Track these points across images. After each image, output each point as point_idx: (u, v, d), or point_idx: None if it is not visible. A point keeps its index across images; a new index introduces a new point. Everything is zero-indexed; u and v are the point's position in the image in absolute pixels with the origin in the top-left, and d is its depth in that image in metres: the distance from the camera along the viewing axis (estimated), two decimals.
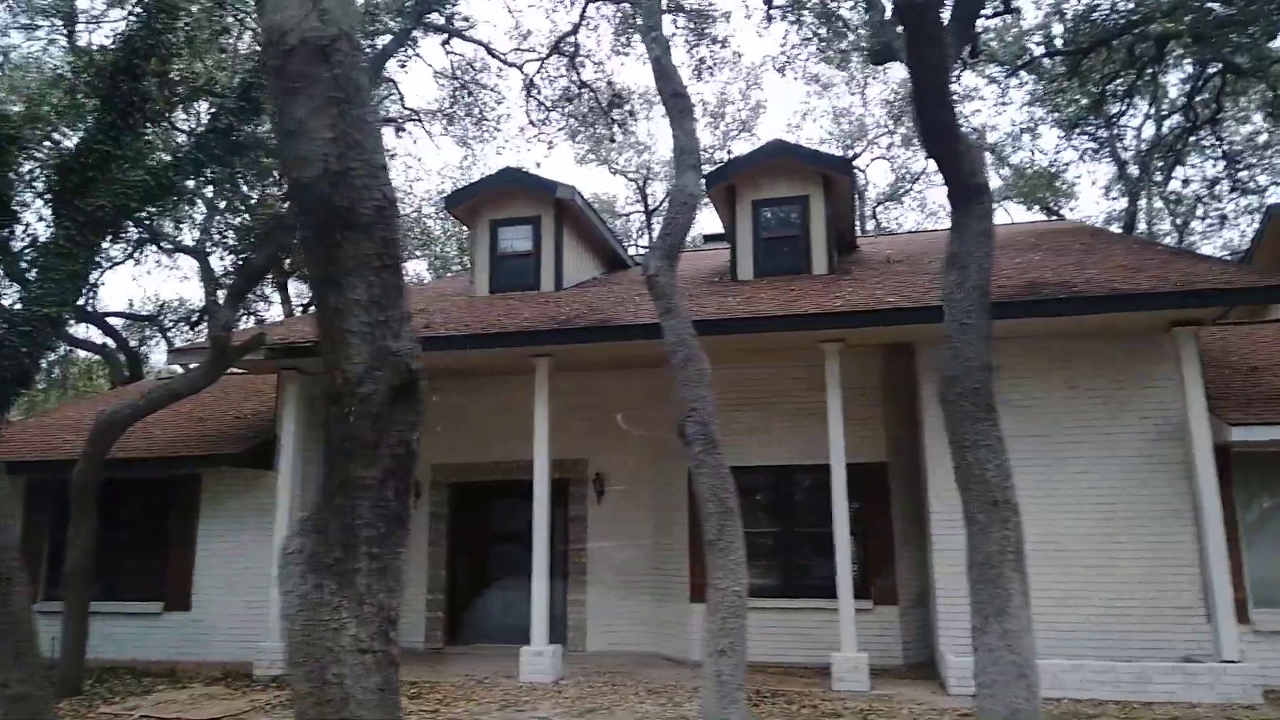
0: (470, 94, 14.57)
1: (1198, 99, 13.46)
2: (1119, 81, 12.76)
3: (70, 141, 12.27)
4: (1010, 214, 23.95)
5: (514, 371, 12.41)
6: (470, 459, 12.91)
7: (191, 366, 13.96)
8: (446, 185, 24.31)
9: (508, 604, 12.90)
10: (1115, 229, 19.66)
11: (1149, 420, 9.19)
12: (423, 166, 43.02)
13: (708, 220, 45.59)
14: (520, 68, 15.26)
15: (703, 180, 8.79)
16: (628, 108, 12.52)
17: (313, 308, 3.05)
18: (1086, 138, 15.08)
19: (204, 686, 9.64)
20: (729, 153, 24.70)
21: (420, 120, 16.20)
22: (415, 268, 24.78)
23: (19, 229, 11.35)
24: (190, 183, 12.15)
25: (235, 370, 15.13)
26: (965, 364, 6.38)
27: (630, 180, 26.58)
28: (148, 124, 12.50)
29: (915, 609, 10.69)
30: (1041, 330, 9.41)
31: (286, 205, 10.75)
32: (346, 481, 3.04)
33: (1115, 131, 16.24)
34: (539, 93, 15.50)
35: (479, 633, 12.62)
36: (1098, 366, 9.47)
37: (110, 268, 12.00)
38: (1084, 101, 14.12)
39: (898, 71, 20.35)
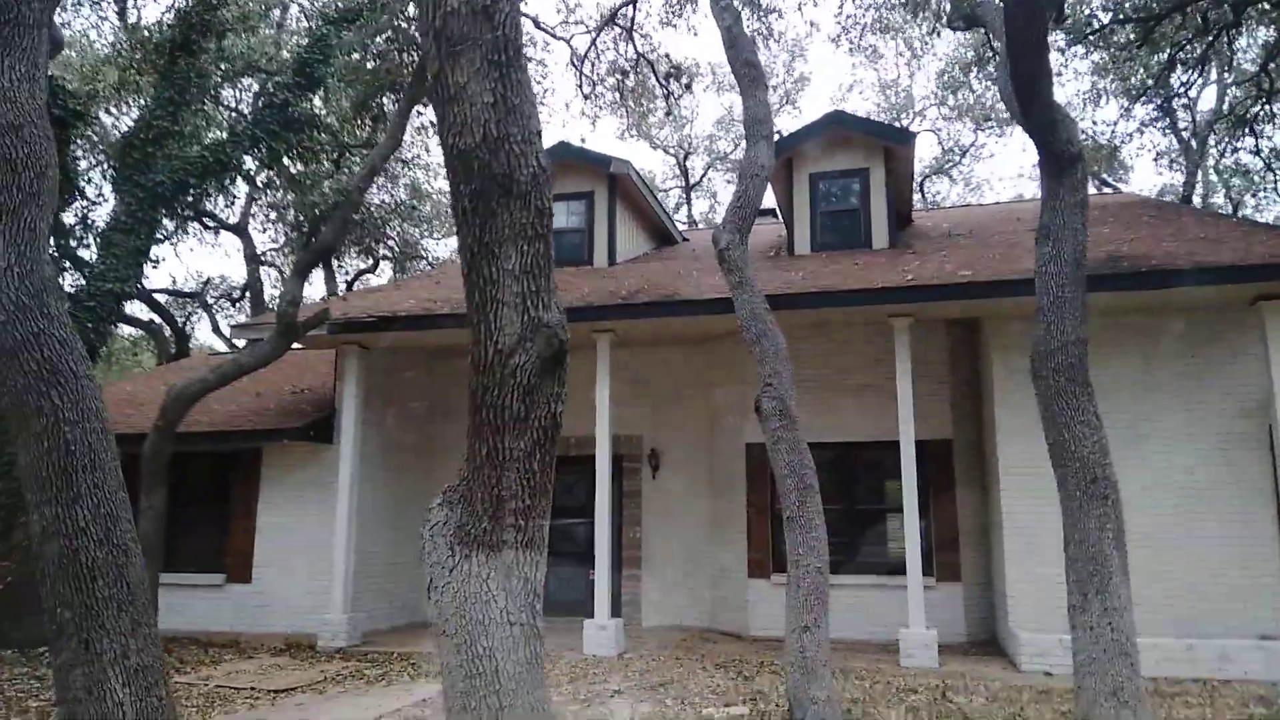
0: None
1: (1271, 65, 12.99)
2: (1189, 49, 12.37)
3: (126, 120, 12.30)
4: None
5: (573, 348, 12.38)
6: None
7: (242, 343, 14.10)
8: None
9: (560, 579, 12.94)
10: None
11: (1231, 397, 8.96)
12: None
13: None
14: (568, 41, 15.05)
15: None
16: (685, 80, 12.33)
17: (462, 277, 2.98)
18: (1153, 108, 14.71)
19: (271, 657, 9.75)
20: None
21: None
22: (453, 243, 24.76)
23: (79, 206, 11.39)
24: (247, 159, 12.17)
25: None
26: (1059, 338, 6.24)
27: (670, 155, 26.39)
28: (204, 101, 12.54)
29: (978, 586, 10.59)
30: (1119, 306, 9.18)
31: (355, 182, 10.73)
32: (494, 453, 3.00)
33: (1182, 102, 15.79)
34: (587, 66, 15.33)
35: None
36: (1177, 342, 9.25)
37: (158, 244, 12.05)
38: (1150, 70, 13.75)
39: (950, 43, 19.97)
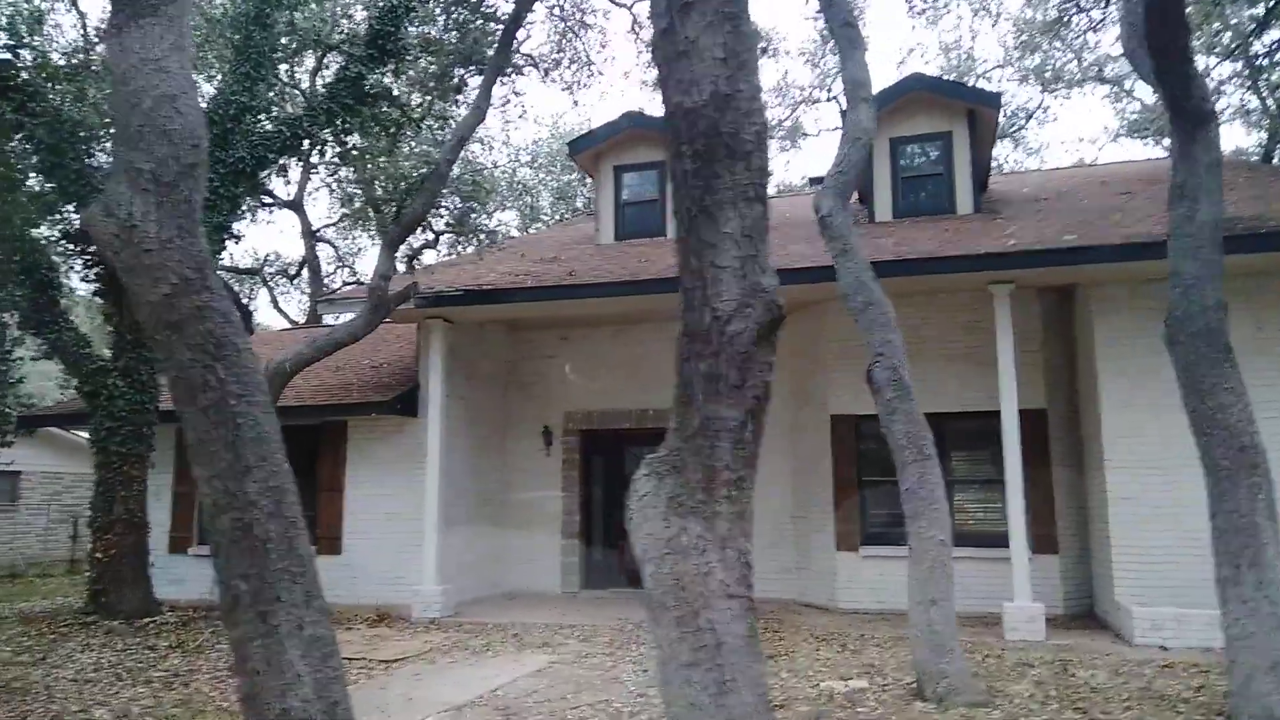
0: (576, 36, 14.22)
1: None
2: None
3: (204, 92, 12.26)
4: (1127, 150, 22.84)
5: (649, 319, 12.31)
6: (601, 406, 12.90)
7: (302, 319, 14.18)
8: (541, 133, 24.12)
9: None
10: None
11: None
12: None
13: (814, 160, 44.55)
14: (630, 7, 14.83)
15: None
16: (765, 45, 12.07)
17: (678, 242, 2.88)
18: (1241, 64, 14.15)
19: (369, 628, 9.87)
20: (829, 91, 23.93)
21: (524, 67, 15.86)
22: (505, 217, 24.79)
23: None
24: (325, 133, 12.17)
25: None
26: (1199, 304, 6.03)
27: None
28: (277, 74, 12.53)
29: (1075, 559, 10.40)
30: (1230, 269, 8.86)
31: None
32: (709, 422, 2.91)
33: (1270, 58, 15.16)
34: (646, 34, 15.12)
35: (614, 578, 12.71)
36: None
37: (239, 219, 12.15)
38: (1237, 28, 13.21)
39: (1017, 2, 19.38)
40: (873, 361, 7.31)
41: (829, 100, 24.16)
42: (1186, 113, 6.28)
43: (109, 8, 4.32)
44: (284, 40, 12.58)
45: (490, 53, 10.09)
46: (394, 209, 9.88)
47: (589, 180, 24.81)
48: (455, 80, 10.64)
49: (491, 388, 12.82)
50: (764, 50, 12.57)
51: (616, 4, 15.21)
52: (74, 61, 9.44)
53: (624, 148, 13.32)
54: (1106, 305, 9.37)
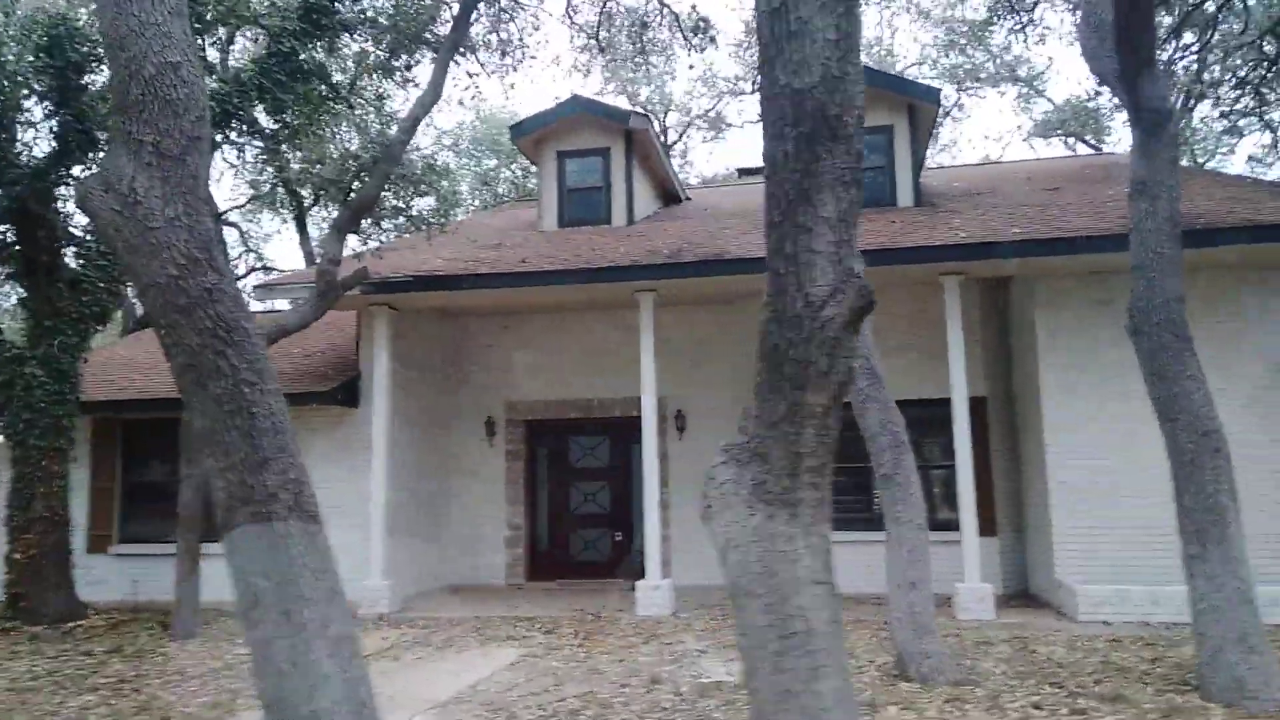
0: (512, 19, 13.97)
1: None
2: None
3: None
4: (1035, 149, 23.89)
5: (595, 308, 12.22)
6: (545, 396, 12.75)
7: (258, 305, 13.60)
8: (464, 116, 23.63)
9: (587, 541, 12.90)
10: None
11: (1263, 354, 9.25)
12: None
13: (737, 153, 44.68)
14: None
15: None
16: (710, 33, 12.08)
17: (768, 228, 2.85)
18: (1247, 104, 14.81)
19: None
20: (753, 84, 24.19)
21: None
22: (423, 204, 24.23)
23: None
24: (256, 111, 11.61)
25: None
26: (1161, 295, 6.32)
27: (644, 111, 26.05)
28: (203, 49, 11.87)
29: (1012, 541, 10.84)
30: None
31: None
32: (795, 408, 2.90)
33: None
34: (580, 18, 14.97)
35: (560, 569, 12.60)
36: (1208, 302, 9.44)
37: None
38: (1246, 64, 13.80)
39: (941, 3, 19.97)
40: None
41: (753, 92, 24.44)
42: (1148, 111, 6.57)
43: None
44: (208, 13, 11.95)
45: (446, 31, 9.78)
46: (342, 191, 9.50)
47: (513, 166, 24.48)
48: (405, 59, 10.27)
49: (432, 377, 12.52)
50: (702, 41, 12.54)
51: None
52: None
53: (568, 132, 13.14)
54: (1048, 296, 9.76)
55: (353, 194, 9.29)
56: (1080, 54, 7.65)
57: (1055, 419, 9.56)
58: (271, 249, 28.72)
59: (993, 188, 13.04)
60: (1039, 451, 9.84)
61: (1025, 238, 9.30)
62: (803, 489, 2.92)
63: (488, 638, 8.55)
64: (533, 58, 14.54)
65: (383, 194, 9.44)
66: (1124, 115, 20.20)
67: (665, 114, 25.92)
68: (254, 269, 30.93)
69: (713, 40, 11.77)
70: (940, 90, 12.93)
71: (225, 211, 26.63)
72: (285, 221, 25.76)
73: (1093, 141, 20.94)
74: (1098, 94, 16.79)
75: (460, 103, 20.68)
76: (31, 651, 8.30)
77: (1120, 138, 20.76)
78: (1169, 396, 6.12)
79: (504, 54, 11.08)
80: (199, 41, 11.21)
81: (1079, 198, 11.07)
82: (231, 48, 12.63)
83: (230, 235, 27.75)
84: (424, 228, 10.41)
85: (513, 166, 23.61)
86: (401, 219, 10.16)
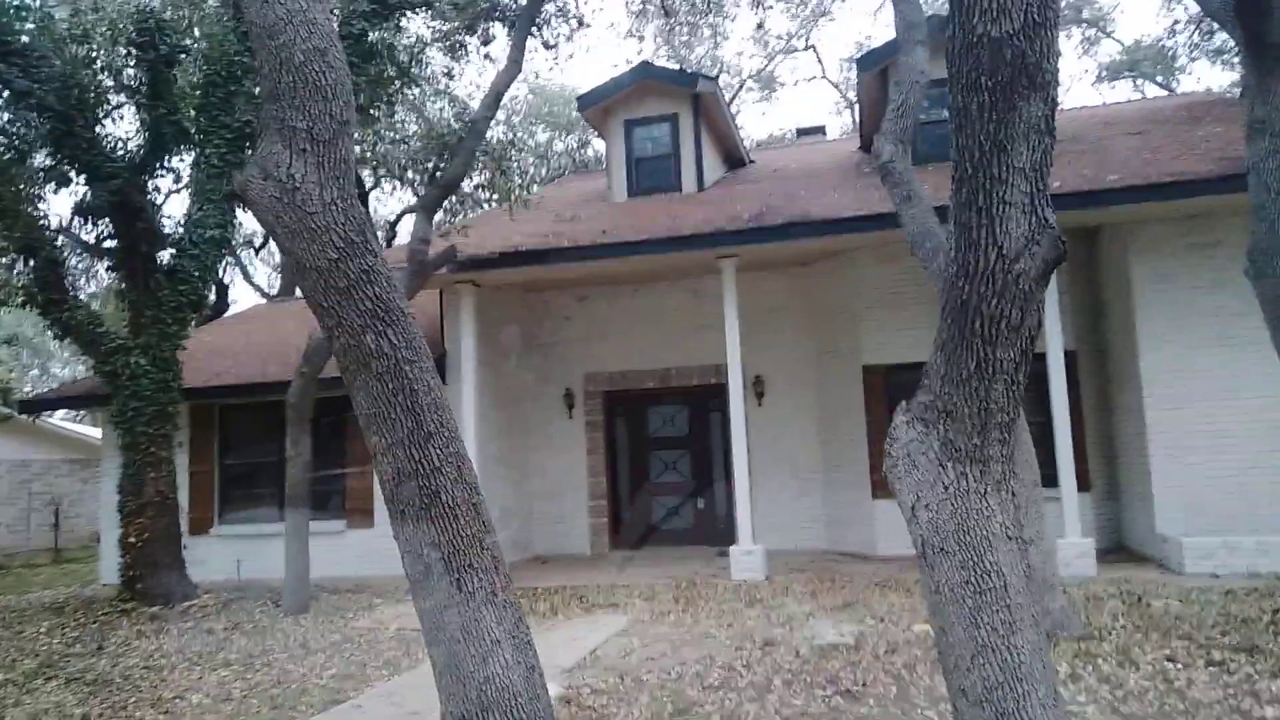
0: None
1: None
2: None
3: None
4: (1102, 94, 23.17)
5: (669, 277, 12.23)
6: (622, 367, 12.83)
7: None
8: (519, 89, 23.58)
9: (670, 509, 13.01)
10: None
11: None
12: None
13: (789, 113, 44.21)
14: None
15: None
16: None
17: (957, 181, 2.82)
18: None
19: None
20: (806, 40, 23.81)
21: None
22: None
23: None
24: None
25: None
26: None
27: (709, 75, 25.81)
28: None
29: (1104, 494, 10.70)
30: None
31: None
32: (984, 364, 2.88)
33: None
34: None
35: (643, 538, 12.74)
36: None
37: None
38: None
39: None
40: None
41: (806, 49, 24.06)
42: (1266, 46, 6.35)
43: None
44: None
45: (513, 4, 9.77)
46: (427, 171, 9.58)
47: (568, 138, 24.46)
48: (480, 34, 10.29)
49: (512, 351, 12.65)
50: None
51: None
52: (82, 23, 8.91)
53: (634, 101, 13.10)
54: (1145, 243, 9.53)
55: (439, 173, 9.35)
56: None
57: (1153, 369, 9.38)
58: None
59: (1073, 134, 12.71)
60: (1136, 404, 9.67)
61: (1131, 184, 9.05)
62: (992, 445, 2.92)
63: (590, 605, 8.69)
64: (588, 25, 14.48)
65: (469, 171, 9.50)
66: (1199, 56, 19.59)
67: (718, 76, 25.59)
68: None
69: None
70: None
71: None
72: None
73: (1163, 83, 20.25)
74: (1173, 33, 16.23)
75: (536, 75, 20.55)
76: (156, 631, 8.64)
77: (1200, 78, 20.11)
78: None
79: (580, 24, 10.99)
80: None
81: (1170, 140, 10.75)
82: None
83: None
84: (507, 203, 10.46)
85: (567, 138, 23.57)
86: (485, 195, 10.21)
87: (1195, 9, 17.94)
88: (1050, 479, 9.41)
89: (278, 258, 28.11)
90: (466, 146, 9.05)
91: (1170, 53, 18.10)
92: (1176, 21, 17.88)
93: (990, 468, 2.92)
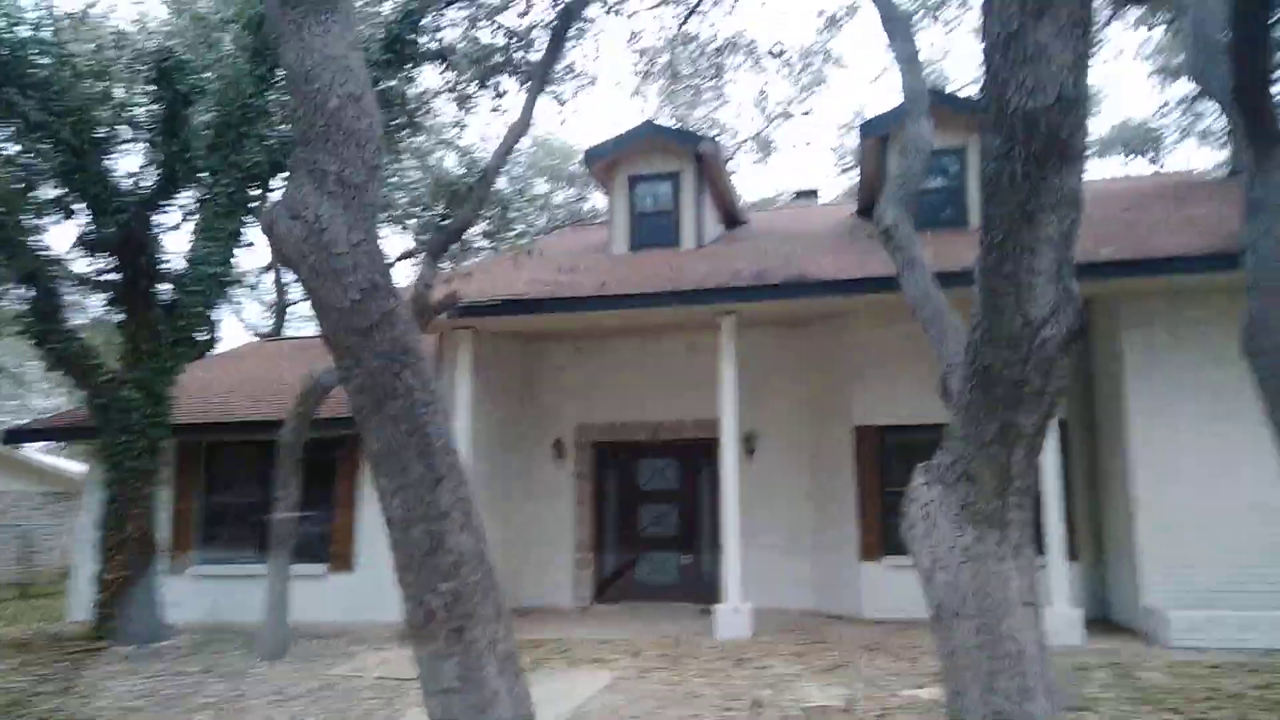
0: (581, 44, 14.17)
1: None
2: None
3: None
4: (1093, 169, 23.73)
5: (666, 331, 12.30)
6: (613, 419, 12.82)
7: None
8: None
9: (655, 563, 12.89)
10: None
11: None
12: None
13: (783, 175, 44.93)
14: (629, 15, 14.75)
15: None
16: (785, 57, 12.20)
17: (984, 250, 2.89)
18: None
19: (399, 648, 9.58)
20: (805, 106, 24.32)
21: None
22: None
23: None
24: None
25: None
26: (1279, 317, 6.26)
27: (712, 136, 26.29)
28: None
29: (1092, 565, 10.70)
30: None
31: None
32: (1006, 429, 2.92)
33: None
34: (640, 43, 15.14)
35: (626, 591, 12.60)
36: None
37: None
38: None
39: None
40: (946, 372, 7.37)
41: (804, 115, 24.57)
42: (1264, 131, 6.55)
43: (279, 4, 4.15)
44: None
45: (537, 59, 9.99)
46: (436, 216, 9.68)
47: (568, 190, 24.76)
48: (494, 87, 10.49)
49: (505, 399, 12.63)
50: (776, 66, 12.63)
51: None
52: (103, 59, 9.01)
53: (638, 157, 13.31)
54: (1134, 319, 9.69)
55: (447, 220, 9.44)
56: (1187, 71, 7.64)
57: (1141, 443, 9.47)
58: None
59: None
60: (1124, 476, 9.73)
61: (1126, 258, 9.24)
62: (1011, 510, 2.95)
63: (574, 660, 8.56)
64: (588, 84, 14.76)
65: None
66: (1188, 136, 20.14)
67: (716, 137, 26.08)
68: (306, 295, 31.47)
69: (787, 65, 11.84)
70: None
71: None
72: None
73: (1153, 158, 20.81)
74: (1162, 114, 16.72)
75: (548, 131, 20.90)
76: (127, 671, 8.43)
77: (1189, 157, 20.68)
78: None
79: (592, 82, 11.21)
80: (278, 74, 11.51)
81: (1164, 216, 11.01)
82: None
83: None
84: (509, 251, 10.54)
85: (567, 190, 23.86)
86: (490, 243, 10.31)
87: (1185, 90, 18.54)
88: (1038, 548, 9.48)
89: (271, 297, 28.06)
90: (476, 195, 9.16)
91: (1157, 133, 18.61)
92: (1166, 103, 18.50)
93: (1009, 532, 2.94)
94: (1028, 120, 2.65)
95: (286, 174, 11.35)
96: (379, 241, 4.12)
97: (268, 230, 4.01)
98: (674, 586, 12.62)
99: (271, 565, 9.07)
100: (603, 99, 46.39)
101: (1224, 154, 21.02)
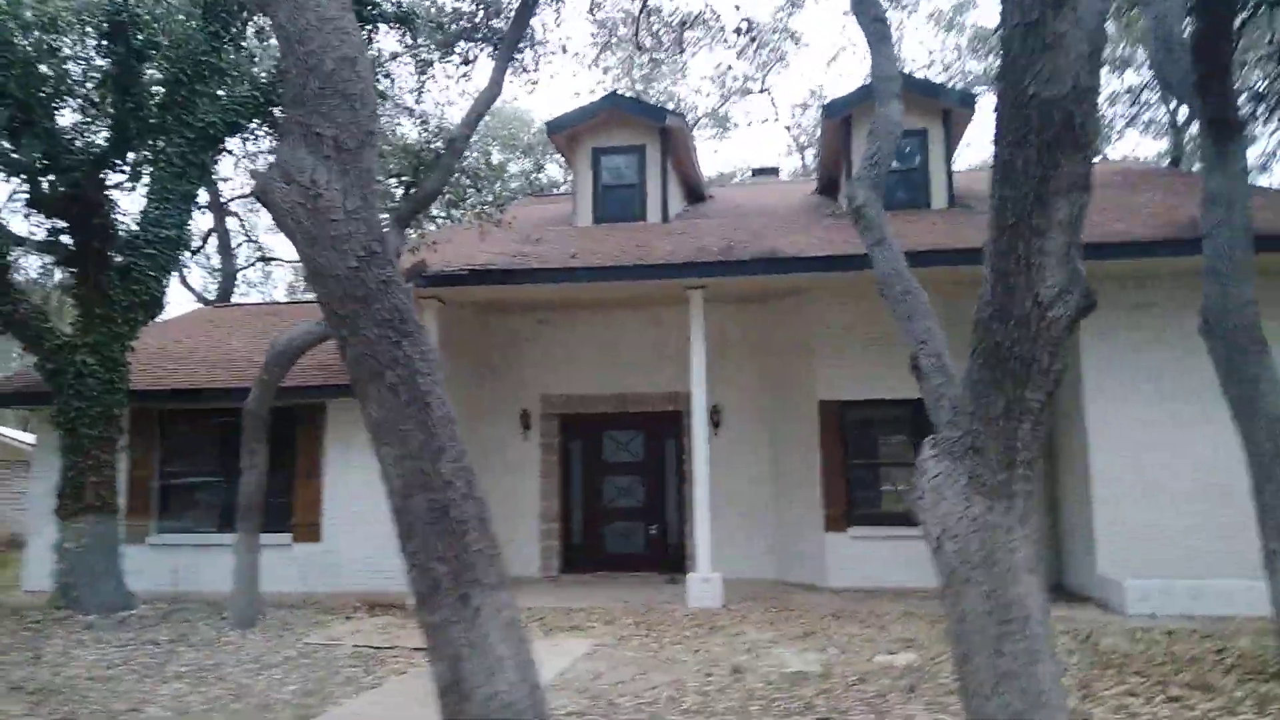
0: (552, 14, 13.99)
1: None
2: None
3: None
4: None
5: (631, 304, 12.32)
6: (580, 390, 12.84)
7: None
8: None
9: (621, 534, 13.00)
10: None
11: None
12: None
13: (739, 151, 44.90)
14: None
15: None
16: (752, 34, 12.19)
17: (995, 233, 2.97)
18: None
19: (370, 616, 9.58)
20: (762, 84, 24.35)
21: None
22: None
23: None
24: None
25: None
26: (1236, 300, 6.52)
27: (678, 110, 26.17)
28: (245, 35, 11.78)
29: (1045, 536, 11.07)
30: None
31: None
32: (1013, 405, 3.02)
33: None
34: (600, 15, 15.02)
35: (594, 562, 12.71)
36: None
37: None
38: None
39: None
40: (917, 349, 7.50)
41: (762, 92, 24.62)
42: (1221, 123, 6.78)
43: None
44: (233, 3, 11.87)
45: (505, 26, 9.84)
46: (401, 184, 9.53)
47: (528, 159, 24.49)
48: (462, 53, 10.31)
49: (470, 370, 12.57)
50: (743, 40, 12.64)
51: None
52: (50, 10, 8.64)
53: (603, 129, 13.23)
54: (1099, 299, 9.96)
55: (413, 189, 9.30)
56: (1148, 64, 7.82)
57: (1097, 420, 9.80)
58: (273, 239, 28.61)
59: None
60: (1081, 451, 10.07)
61: (1085, 241, 9.47)
62: (1018, 481, 3.05)
63: (550, 628, 8.64)
64: (555, 53, 14.59)
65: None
66: (1130, 126, 20.68)
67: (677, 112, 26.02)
68: (254, 261, 30.76)
69: (753, 40, 11.84)
70: (977, 96, 13.15)
71: (227, 201, 26.49)
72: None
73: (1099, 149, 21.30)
74: (1111, 105, 17.14)
75: (515, 98, 20.63)
76: (95, 641, 8.29)
77: (1137, 145, 21.27)
78: (1245, 397, 6.32)
79: (564, 50, 11.09)
80: (236, 31, 11.19)
81: (1112, 203, 11.31)
82: (267, 41, 12.58)
83: (231, 225, 27.64)
84: (482, 220, 10.44)
85: (523, 160, 23.61)
86: (457, 212, 10.19)
87: (1130, 82, 19.01)
88: None
89: (214, 261, 27.37)
90: (444, 163, 9.03)
91: (1108, 122, 19.08)
92: (1114, 92, 18.99)
93: (1015, 503, 3.05)
94: (1044, 108, 2.73)
95: (240, 135, 11.06)
96: (375, 208, 4.07)
97: (262, 195, 3.94)
98: (640, 557, 12.76)
99: (240, 534, 8.96)
100: (564, 71, 45.90)
101: (1164, 144, 21.71)
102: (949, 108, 12.35)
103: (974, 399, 3.10)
